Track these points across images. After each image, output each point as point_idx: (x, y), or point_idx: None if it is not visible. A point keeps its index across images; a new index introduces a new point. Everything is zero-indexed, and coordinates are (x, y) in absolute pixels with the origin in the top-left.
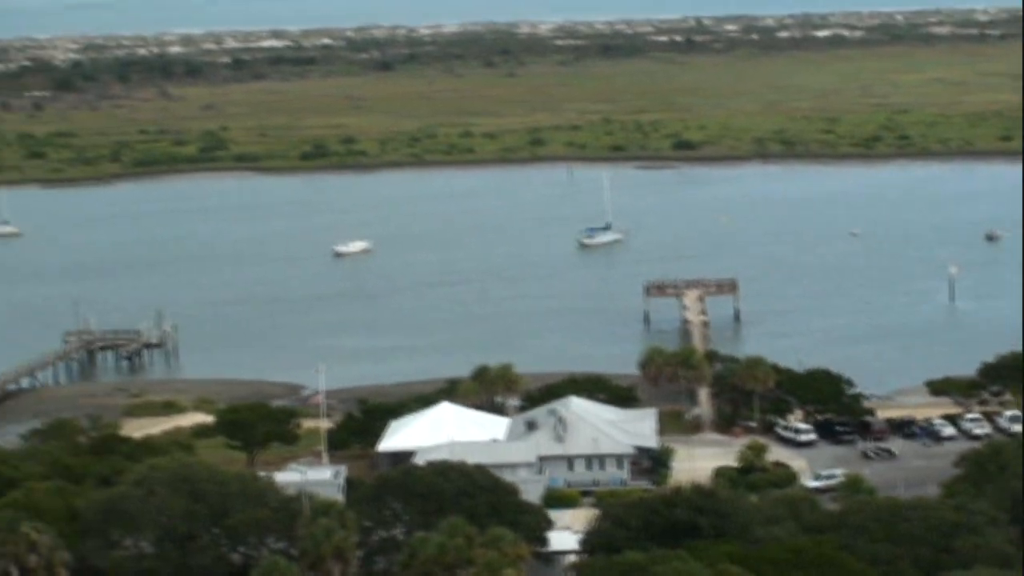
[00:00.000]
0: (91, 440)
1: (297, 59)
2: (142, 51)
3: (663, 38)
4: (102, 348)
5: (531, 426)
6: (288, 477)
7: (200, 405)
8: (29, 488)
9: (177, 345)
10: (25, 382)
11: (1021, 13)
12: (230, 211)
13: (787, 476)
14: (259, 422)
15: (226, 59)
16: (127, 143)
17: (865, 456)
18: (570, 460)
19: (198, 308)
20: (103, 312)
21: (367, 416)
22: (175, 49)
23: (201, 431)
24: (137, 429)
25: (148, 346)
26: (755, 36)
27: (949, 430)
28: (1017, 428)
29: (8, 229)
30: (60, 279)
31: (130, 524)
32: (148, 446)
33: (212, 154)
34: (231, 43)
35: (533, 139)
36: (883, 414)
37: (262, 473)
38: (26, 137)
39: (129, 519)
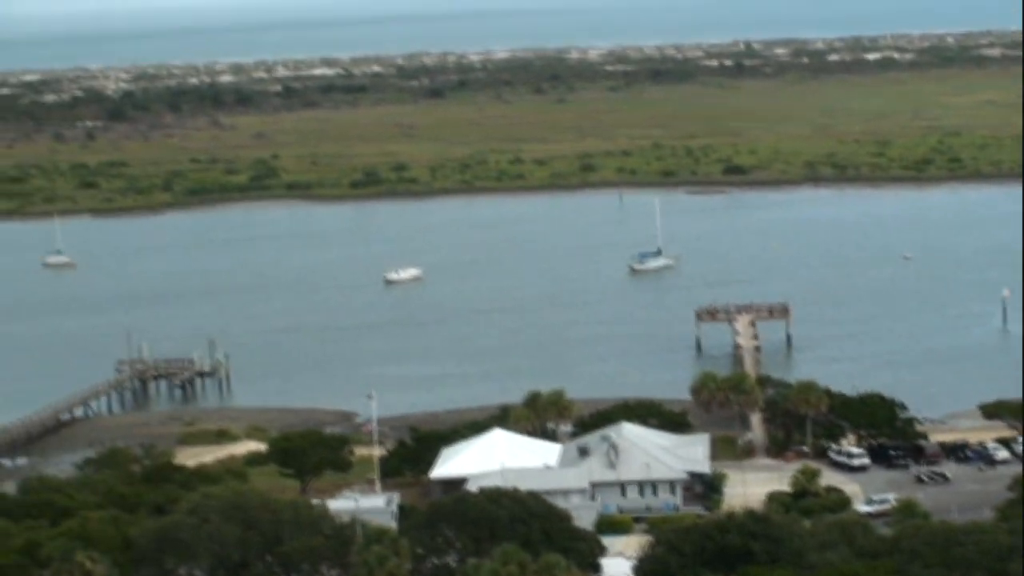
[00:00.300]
0: (145, 469)
1: (348, 87)
2: (193, 80)
3: (713, 62)
4: (155, 377)
5: (583, 452)
6: (341, 505)
7: (253, 433)
8: (84, 517)
9: (229, 373)
10: (79, 411)
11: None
12: (281, 239)
13: (840, 501)
14: (312, 450)
15: (277, 88)
16: (179, 172)
17: (919, 480)
18: (623, 486)
19: (250, 336)
20: (156, 341)
21: (419, 443)
22: (226, 78)
23: (254, 459)
24: (190, 457)
25: (201, 375)
26: (805, 60)
27: (1003, 453)
28: None
29: (62, 259)
30: (113, 308)
31: (184, 552)
32: (201, 474)
33: (263, 182)
34: (282, 72)
35: (583, 165)
36: (936, 438)
37: (315, 501)
38: (79, 167)
39: (183, 547)
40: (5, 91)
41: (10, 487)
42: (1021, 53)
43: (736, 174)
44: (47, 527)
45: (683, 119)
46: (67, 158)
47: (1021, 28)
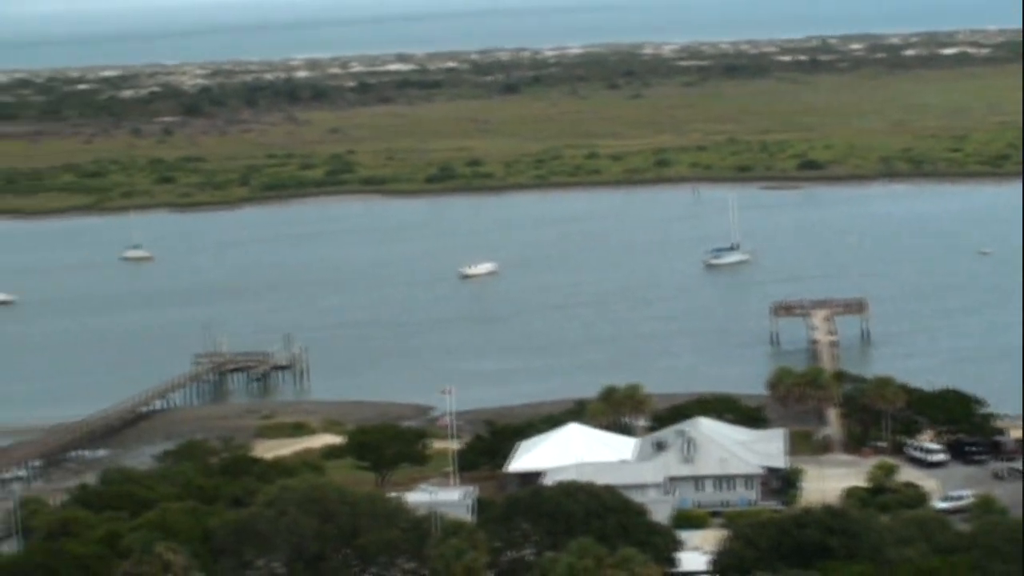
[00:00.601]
0: (223, 461)
1: (423, 82)
2: (269, 76)
3: (788, 58)
4: (232, 370)
5: (660, 447)
6: (418, 498)
7: (329, 426)
8: (163, 509)
9: (306, 367)
10: (158, 404)
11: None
12: (357, 234)
13: (918, 496)
14: (388, 443)
15: (352, 83)
16: (255, 167)
17: (996, 476)
18: (699, 481)
19: (326, 330)
20: (233, 334)
21: (495, 437)
22: (301, 73)
23: (331, 452)
24: (268, 450)
25: (278, 368)
26: (881, 55)
27: None
28: None
29: (140, 253)
30: (190, 302)
31: (262, 544)
32: (279, 467)
33: (339, 177)
34: (357, 67)
35: (658, 160)
36: (1014, 434)
37: (392, 494)
38: (156, 162)
39: (261, 539)
40: (83, 87)
41: (91, 479)
42: (1022, 52)
43: (811, 169)
44: (127, 518)
45: (758, 114)
46: (145, 153)
47: (1022, 28)
